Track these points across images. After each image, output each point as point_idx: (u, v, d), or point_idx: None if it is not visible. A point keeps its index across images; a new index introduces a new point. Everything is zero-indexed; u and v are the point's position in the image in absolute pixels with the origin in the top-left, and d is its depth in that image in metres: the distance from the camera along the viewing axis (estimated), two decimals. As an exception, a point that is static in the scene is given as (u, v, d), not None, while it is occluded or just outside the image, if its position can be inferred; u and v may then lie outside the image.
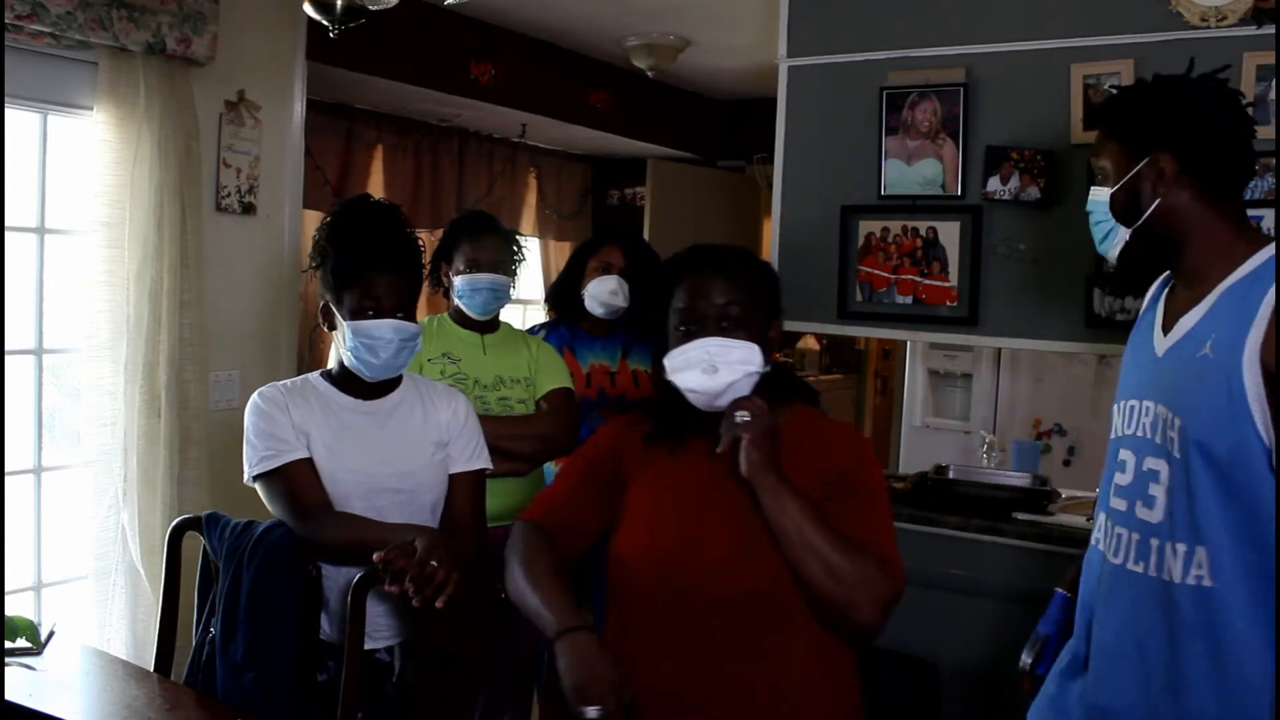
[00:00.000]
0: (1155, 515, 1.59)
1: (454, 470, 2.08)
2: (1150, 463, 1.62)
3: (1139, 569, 1.61)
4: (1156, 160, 1.60)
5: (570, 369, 2.81)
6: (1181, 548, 1.55)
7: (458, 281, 2.67)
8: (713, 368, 1.60)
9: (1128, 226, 1.66)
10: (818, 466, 1.65)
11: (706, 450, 1.64)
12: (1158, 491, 1.59)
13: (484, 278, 2.64)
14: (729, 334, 1.62)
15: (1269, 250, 1.56)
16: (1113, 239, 1.69)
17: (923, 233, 3.05)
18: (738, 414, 1.57)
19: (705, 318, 1.64)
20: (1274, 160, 2.59)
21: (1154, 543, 1.59)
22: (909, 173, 3.05)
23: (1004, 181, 2.90)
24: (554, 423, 2.62)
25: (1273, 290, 1.49)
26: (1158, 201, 1.61)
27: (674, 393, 1.66)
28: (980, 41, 2.96)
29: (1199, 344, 1.55)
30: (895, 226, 3.08)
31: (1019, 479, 3.05)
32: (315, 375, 2.07)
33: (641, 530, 1.67)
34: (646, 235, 6.07)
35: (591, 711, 1.44)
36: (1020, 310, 2.93)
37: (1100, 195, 1.70)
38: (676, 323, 1.66)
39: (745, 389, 1.62)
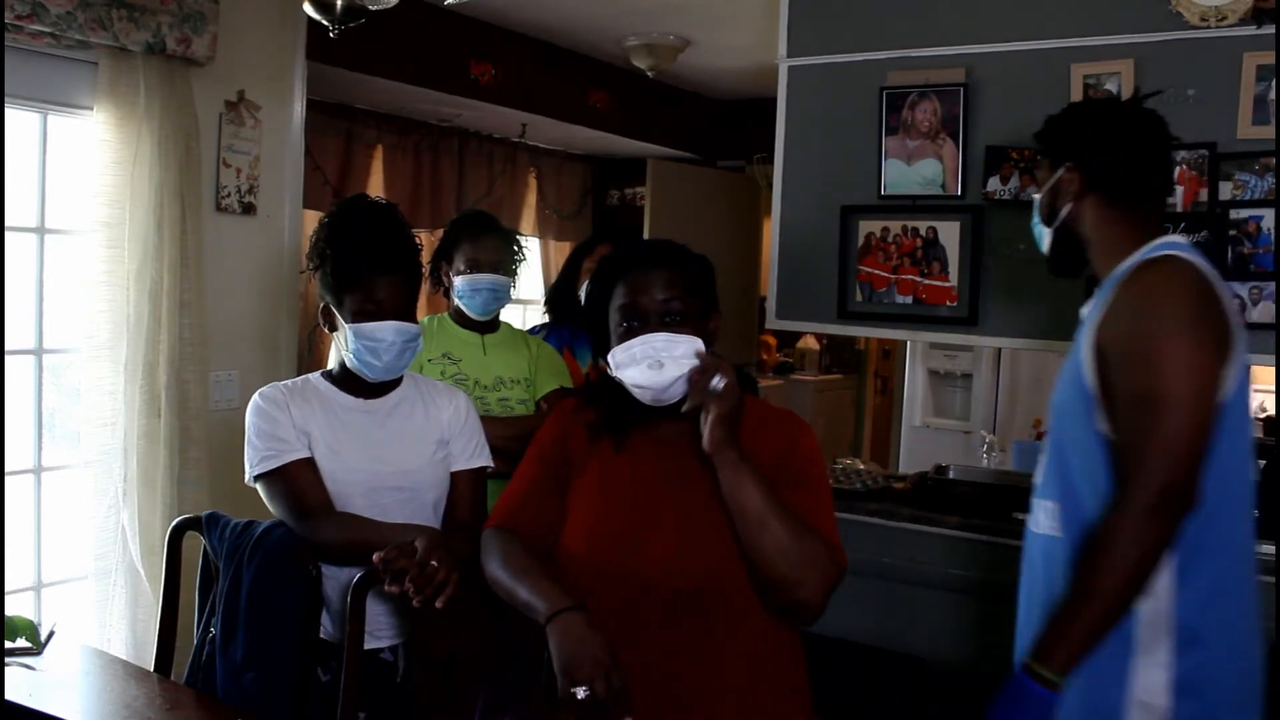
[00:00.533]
0: (1039, 478, 1.83)
1: (455, 468, 2.08)
2: (1046, 437, 1.88)
3: (1031, 528, 1.85)
4: (1067, 172, 1.83)
5: (570, 369, 2.81)
6: (1043, 502, 1.79)
7: (458, 282, 2.66)
8: (658, 363, 1.60)
9: (1048, 228, 1.90)
10: (762, 453, 1.65)
11: (651, 444, 1.67)
12: (1042, 458, 1.84)
13: (484, 278, 2.64)
14: (672, 329, 1.63)
15: (1152, 244, 1.74)
16: (1042, 239, 1.93)
17: (923, 233, 3.05)
18: (714, 379, 1.57)
19: (647, 313, 1.64)
20: (1274, 160, 2.60)
21: (1035, 501, 1.83)
22: (909, 173, 3.05)
23: (1004, 181, 2.91)
24: None
25: (1127, 272, 1.71)
26: (1068, 207, 1.84)
27: (618, 388, 1.67)
28: (980, 41, 2.96)
29: (1080, 330, 1.78)
30: (895, 226, 3.09)
31: (1019, 479, 3.05)
32: (316, 375, 2.07)
33: (587, 526, 1.67)
34: (646, 235, 6.07)
35: (580, 692, 1.41)
36: (1020, 310, 2.93)
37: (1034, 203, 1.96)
38: (619, 320, 1.66)
39: (685, 387, 1.61)
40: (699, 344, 1.63)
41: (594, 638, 1.48)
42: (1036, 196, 1.91)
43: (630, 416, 1.70)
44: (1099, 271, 1.82)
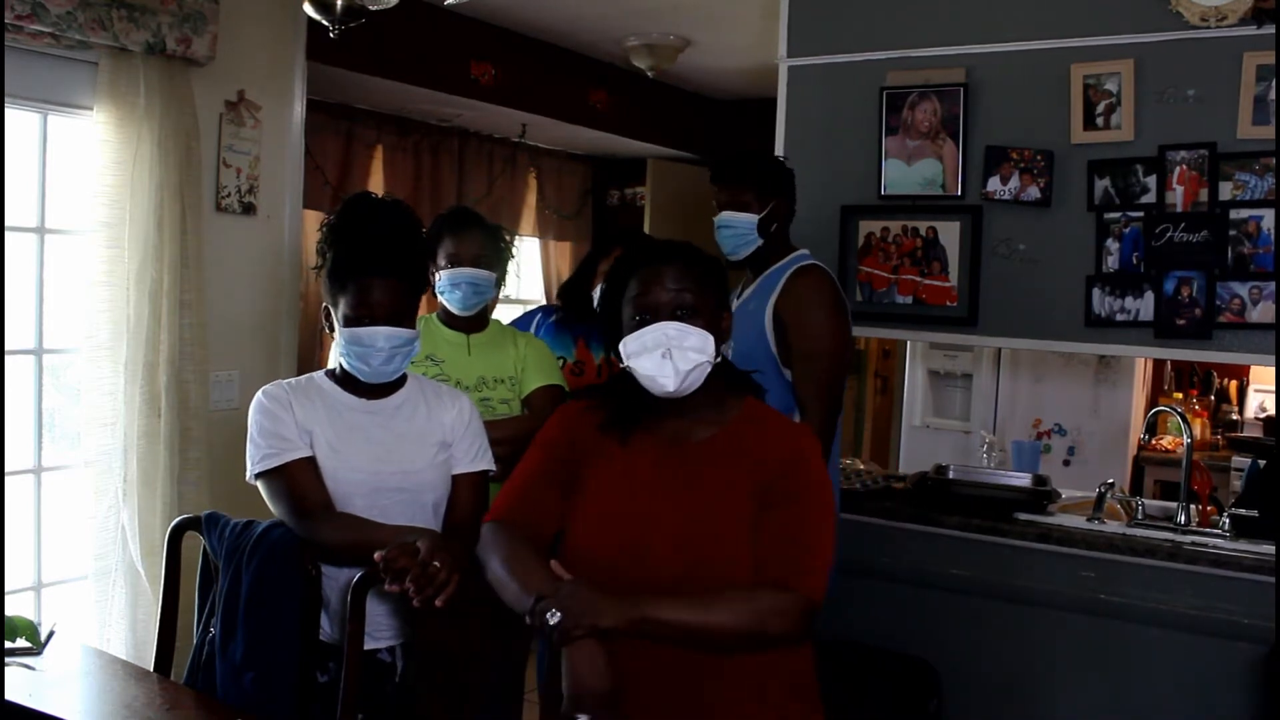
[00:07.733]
0: None
1: (457, 471, 2.07)
2: None
3: None
4: (775, 203, 2.62)
5: (582, 358, 2.80)
6: None
7: (439, 277, 2.62)
8: (668, 353, 1.61)
9: (762, 239, 2.61)
10: (758, 462, 1.66)
11: (654, 444, 1.69)
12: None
13: (464, 272, 2.58)
14: (685, 321, 1.64)
15: (790, 256, 2.63)
16: (750, 246, 2.61)
17: (923, 233, 3.05)
18: (550, 614, 1.50)
19: (660, 306, 1.65)
20: (1274, 160, 2.60)
21: None
22: (909, 173, 3.05)
23: (1004, 181, 2.91)
24: (536, 425, 2.58)
25: (790, 271, 2.58)
26: (775, 225, 2.62)
27: (630, 382, 1.68)
28: (980, 41, 2.96)
29: (745, 304, 2.60)
30: (895, 226, 3.09)
31: (1019, 479, 3.05)
32: (320, 374, 2.07)
33: (593, 523, 1.69)
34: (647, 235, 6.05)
35: (581, 719, 1.46)
36: (1020, 310, 2.93)
37: (737, 218, 2.60)
38: (632, 313, 1.67)
39: (699, 379, 1.64)
40: (709, 339, 1.65)
41: (607, 671, 1.49)
42: (743, 216, 2.60)
43: (636, 414, 1.71)
44: (759, 266, 2.64)
